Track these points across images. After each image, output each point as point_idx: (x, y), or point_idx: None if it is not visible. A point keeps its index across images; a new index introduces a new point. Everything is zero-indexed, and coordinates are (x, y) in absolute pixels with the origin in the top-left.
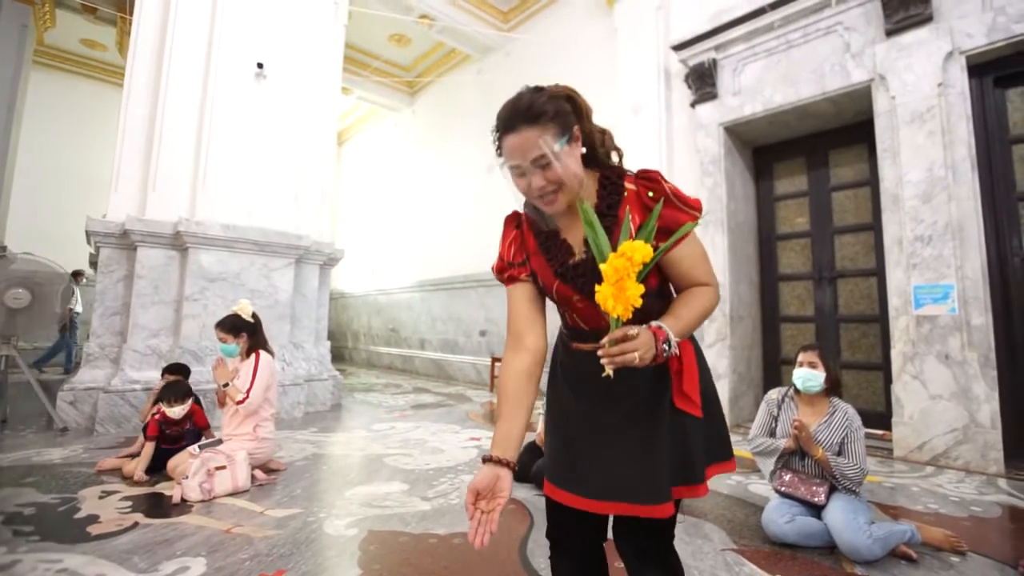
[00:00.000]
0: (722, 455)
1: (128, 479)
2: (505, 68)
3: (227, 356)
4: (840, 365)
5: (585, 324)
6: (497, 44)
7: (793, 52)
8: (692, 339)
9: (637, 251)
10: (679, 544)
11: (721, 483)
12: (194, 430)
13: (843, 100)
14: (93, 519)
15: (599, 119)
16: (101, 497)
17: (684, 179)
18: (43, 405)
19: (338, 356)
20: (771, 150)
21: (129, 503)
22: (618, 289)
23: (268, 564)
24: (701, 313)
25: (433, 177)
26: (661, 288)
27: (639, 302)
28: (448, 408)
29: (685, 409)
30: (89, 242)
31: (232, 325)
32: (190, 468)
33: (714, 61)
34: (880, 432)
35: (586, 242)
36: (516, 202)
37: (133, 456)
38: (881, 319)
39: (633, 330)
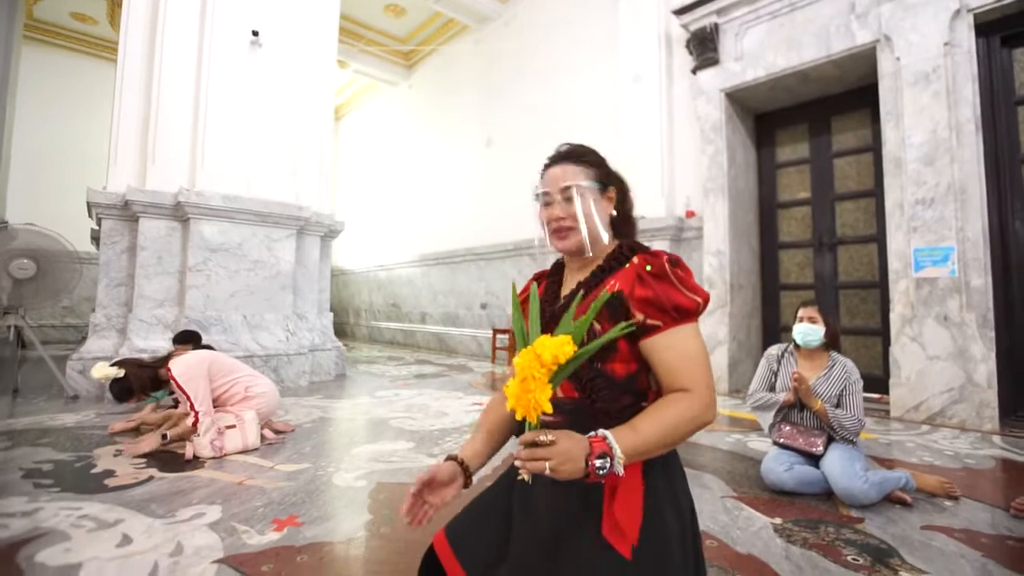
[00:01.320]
0: None
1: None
2: (504, 38)
3: (161, 399)
4: (839, 330)
5: None
6: (495, 13)
7: (796, 14)
8: (656, 467)
9: (548, 349)
10: None
11: (720, 440)
12: None
13: (847, 63)
14: (109, 473)
15: (599, 88)
16: (115, 455)
17: (685, 148)
18: (53, 375)
19: (340, 332)
20: (773, 117)
21: (143, 460)
22: (522, 389)
23: (281, 511)
24: (670, 429)
25: (432, 151)
26: (633, 381)
27: (548, 408)
28: (450, 377)
29: (610, 541)
30: (91, 214)
31: (121, 389)
32: (201, 426)
33: (716, 25)
34: (877, 396)
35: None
36: (514, 176)
37: (141, 426)
38: (881, 285)
39: (546, 435)
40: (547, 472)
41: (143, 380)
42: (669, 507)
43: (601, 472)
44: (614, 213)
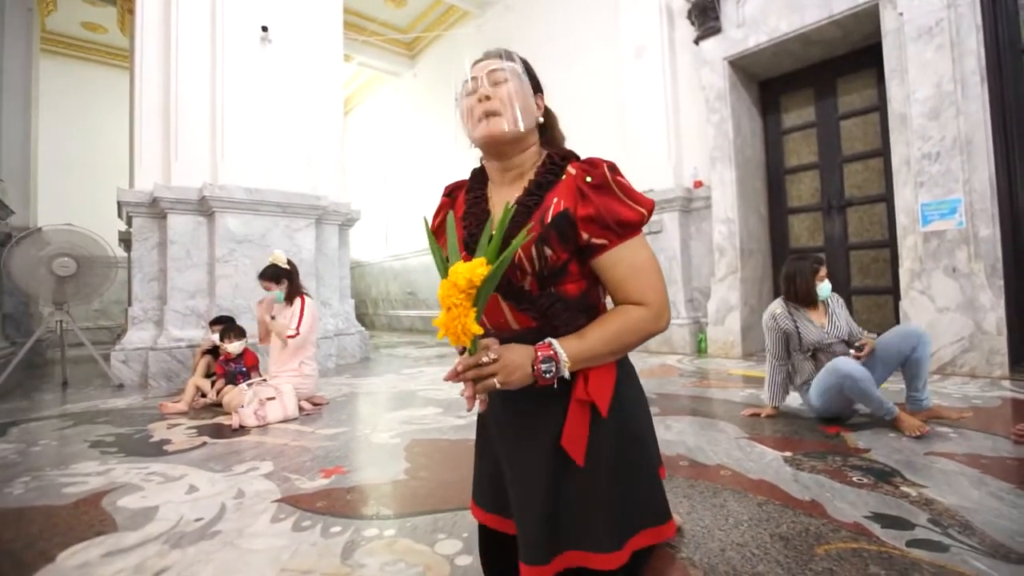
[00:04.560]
0: (648, 520)
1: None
2: (506, 21)
3: (276, 303)
4: (851, 291)
5: (485, 315)
6: None
7: None
8: (622, 368)
9: (461, 275)
10: (696, 436)
11: (734, 395)
12: (245, 369)
13: (849, 22)
14: (166, 442)
15: (603, 66)
16: (169, 428)
17: (690, 118)
18: (98, 368)
19: (359, 322)
20: (777, 83)
21: (195, 430)
22: (449, 319)
23: (327, 463)
24: (617, 337)
25: (439, 138)
26: (586, 297)
27: (477, 330)
28: None
29: (567, 450)
30: (120, 214)
31: (274, 273)
32: (244, 398)
33: None
34: None
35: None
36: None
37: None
38: (891, 243)
39: (488, 355)
40: (497, 386)
41: (294, 280)
42: (638, 425)
43: (547, 375)
44: (541, 120)
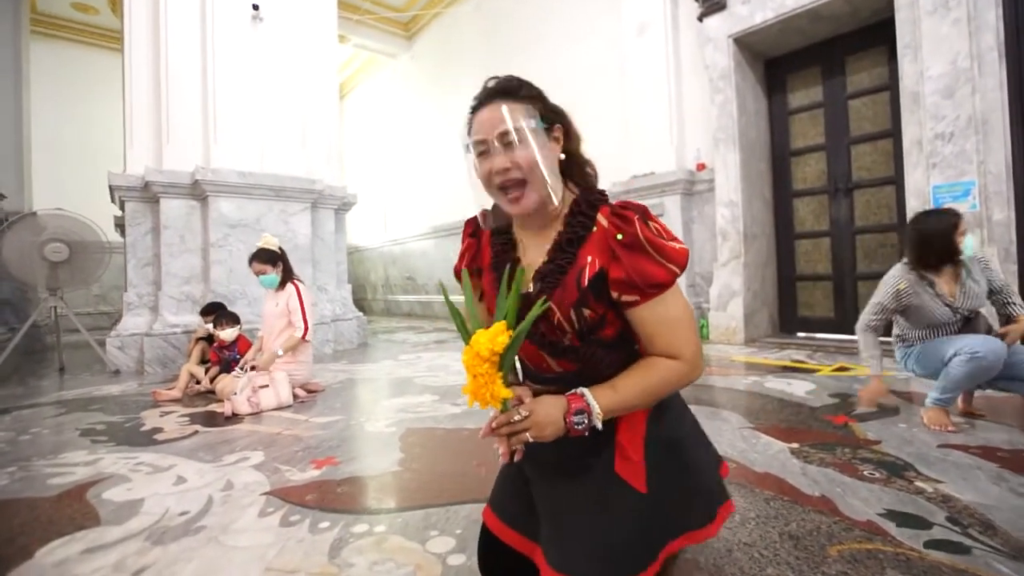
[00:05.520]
0: (689, 522)
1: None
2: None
3: (267, 287)
4: (856, 276)
5: (527, 359)
6: None
7: None
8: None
9: (483, 345)
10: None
11: (737, 383)
12: (239, 356)
13: None
14: (158, 430)
15: (605, 45)
16: (161, 416)
17: (693, 99)
18: (94, 354)
19: (358, 307)
20: (783, 62)
21: (187, 418)
22: (476, 386)
23: (319, 453)
24: (650, 390)
25: (438, 121)
26: (622, 335)
27: (507, 394)
28: None
29: (624, 477)
30: (113, 199)
31: (268, 256)
32: (237, 386)
33: None
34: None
35: (535, 275)
36: None
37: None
38: (899, 227)
39: (519, 414)
40: (530, 440)
41: (286, 263)
42: (683, 448)
43: (579, 427)
44: (562, 156)
